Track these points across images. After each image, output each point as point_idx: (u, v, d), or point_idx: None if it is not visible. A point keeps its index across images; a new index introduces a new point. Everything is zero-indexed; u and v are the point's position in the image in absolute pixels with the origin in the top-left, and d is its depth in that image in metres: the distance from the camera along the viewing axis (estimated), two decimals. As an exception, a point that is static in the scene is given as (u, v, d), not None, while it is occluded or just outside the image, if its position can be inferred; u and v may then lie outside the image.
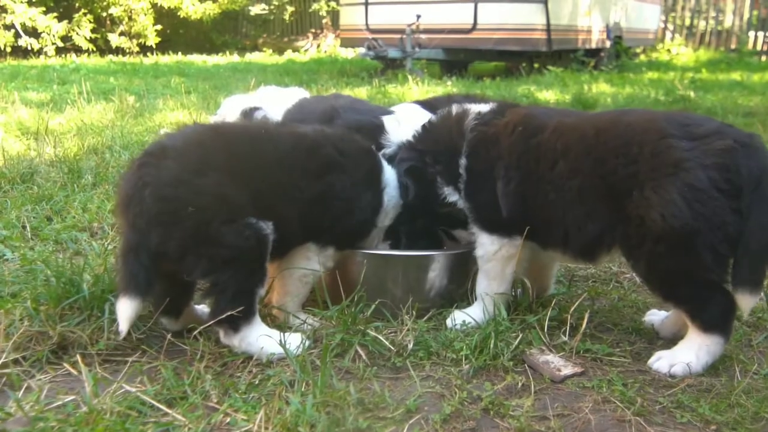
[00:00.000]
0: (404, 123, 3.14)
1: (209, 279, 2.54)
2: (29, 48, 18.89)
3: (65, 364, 2.47)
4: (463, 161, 2.89)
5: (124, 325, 2.43)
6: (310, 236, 2.80)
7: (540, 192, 2.72)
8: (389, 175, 3.02)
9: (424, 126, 3.10)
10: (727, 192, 2.40)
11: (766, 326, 2.97)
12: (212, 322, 2.54)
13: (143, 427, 2.08)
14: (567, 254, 2.80)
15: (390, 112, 3.47)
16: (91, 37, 19.92)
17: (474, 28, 13.64)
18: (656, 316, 2.98)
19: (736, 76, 14.08)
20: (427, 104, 3.70)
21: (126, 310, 2.41)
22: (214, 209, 2.46)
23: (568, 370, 2.52)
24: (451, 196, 2.96)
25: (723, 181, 2.40)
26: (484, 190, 2.85)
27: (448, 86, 11.73)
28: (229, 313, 2.50)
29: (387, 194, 3.00)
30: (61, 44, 19.42)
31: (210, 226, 2.44)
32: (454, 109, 3.05)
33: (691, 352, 2.57)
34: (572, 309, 2.82)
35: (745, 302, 2.47)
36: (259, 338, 2.58)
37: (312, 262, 2.83)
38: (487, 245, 2.88)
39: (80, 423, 2.07)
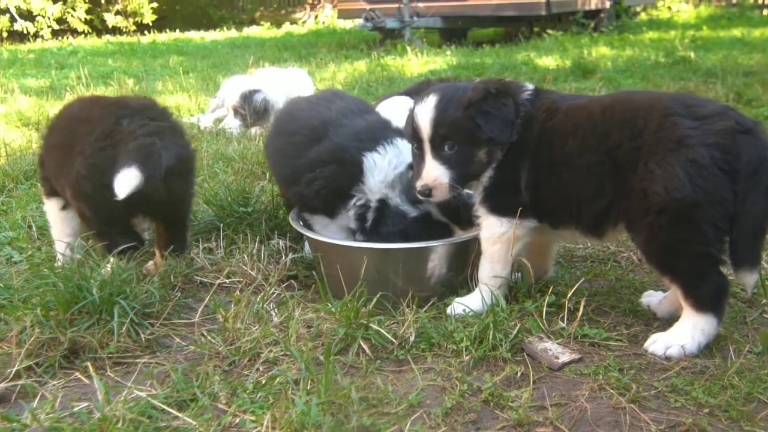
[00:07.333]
0: (383, 163, 3.15)
1: None
2: (25, 32, 18.79)
3: (77, 373, 2.55)
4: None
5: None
6: None
7: (554, 173, 2.78)
8: None
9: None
10: (727, 172, 2.49)
11: (761, 303, 3.02)
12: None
13: (155, 432, 2.16)
14: (578, 231, 2.86)
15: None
16: (86, 18, 19.77)
17: (472, -6, 13.54)
18: (653, 297, 3.03)
19: (736, 32, 13.90)
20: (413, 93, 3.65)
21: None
22: None
23: (565, 357, 2.58)
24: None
25: (723, 162, 2.49)
26: (506, 171, 2.87)
27: (447, 56, 11.66)
28: None
29: None
30: (57, 27, 19.31)
31: None
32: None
33: (686, 333, 2.63)
34: (570, 294, 2.87)
35: (747, 279, 2.60)
36: None
37: None
38: (495, 227, 2.90)
39: (94, 431, 2.15)
